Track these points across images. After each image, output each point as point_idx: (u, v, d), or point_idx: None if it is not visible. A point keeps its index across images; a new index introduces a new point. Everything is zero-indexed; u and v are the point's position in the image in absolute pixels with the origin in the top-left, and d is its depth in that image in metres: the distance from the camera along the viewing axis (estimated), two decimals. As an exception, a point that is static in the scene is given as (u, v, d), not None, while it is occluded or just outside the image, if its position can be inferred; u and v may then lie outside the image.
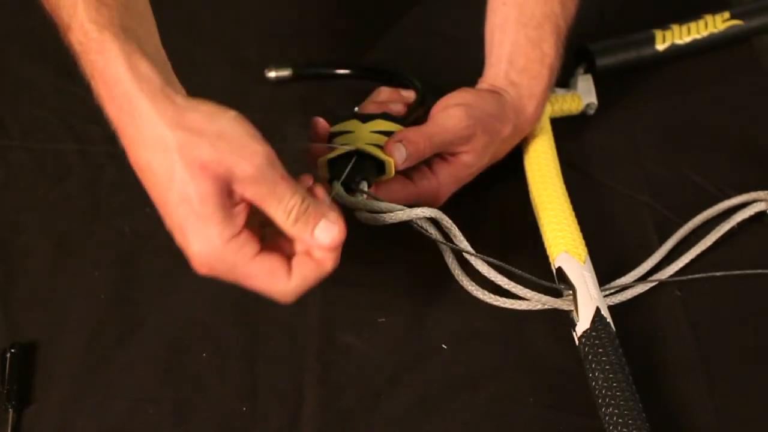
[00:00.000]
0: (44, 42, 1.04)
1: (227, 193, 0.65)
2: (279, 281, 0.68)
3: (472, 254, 0.80)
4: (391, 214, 0.78)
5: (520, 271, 0.80)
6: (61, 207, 0.90)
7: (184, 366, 0.79)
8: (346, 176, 0.78)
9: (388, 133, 0.82)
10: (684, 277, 0.85)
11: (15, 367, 0.78)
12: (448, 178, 0.85)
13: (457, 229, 0.80)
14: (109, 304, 0.83)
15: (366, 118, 0.84)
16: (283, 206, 0.66)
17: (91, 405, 0.77)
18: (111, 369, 0.79)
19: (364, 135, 0.82)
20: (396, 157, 0.79)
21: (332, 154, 0.79)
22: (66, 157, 0.94)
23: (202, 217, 0.65)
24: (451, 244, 0.81)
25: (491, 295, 0.82)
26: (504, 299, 0.82)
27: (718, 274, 0.85)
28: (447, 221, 0.80)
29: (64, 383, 0.78)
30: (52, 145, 0.95)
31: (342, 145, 0.80)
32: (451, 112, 0.83)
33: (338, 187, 0.77)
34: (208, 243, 0.65)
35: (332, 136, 0.82)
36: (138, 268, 0.86)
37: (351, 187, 0.79)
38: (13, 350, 0.78)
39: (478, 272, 0.81)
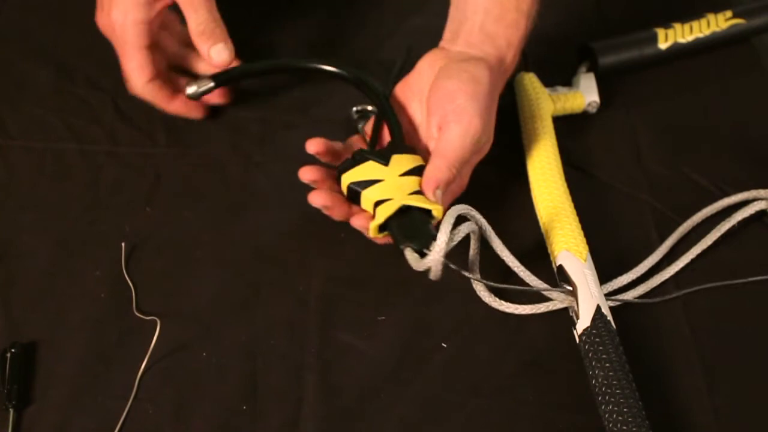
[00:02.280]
0: (44, 42, 1.04)
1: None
2: (140, 76, 0.91)
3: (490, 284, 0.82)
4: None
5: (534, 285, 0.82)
6: (61, 207, 0.90)
7: (184, 366, 0.79)
8: (407, 234, 0.77)
9: (415, 170, 0.81)
10: (687, 290, 0.85)
11: (15, 367, 0.78)
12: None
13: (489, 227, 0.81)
14: (108, 304, 0.83)
15: (380, 156, 0.82)
16: (196, 18, 0.85)
17: (91, 405, 0.77)
18: (111, 369, 0.79)
19: (397, 184, 0.80)
20: (441, 203, 0.80)
21: (380, 218, 0.78)
22: (66, 156, 0.94)
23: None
24: (477, 279, 0.81)
25: (502, 302, 0.83)
26: (513, 305, 0.83)
27: (719, 284, 0.85)
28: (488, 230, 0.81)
29: (65, 383, 0.78)
30: (53, 144, 0.95)
31: (384, 201, 0.79)
32: (459, 124, 0.81)
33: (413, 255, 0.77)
34: (121, 12, 0.89)
35: (355, 187, 0.81)
36: (138, 267, 0.85)
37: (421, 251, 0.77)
38: (13, 350, 0.79)
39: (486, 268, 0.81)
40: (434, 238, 0.75)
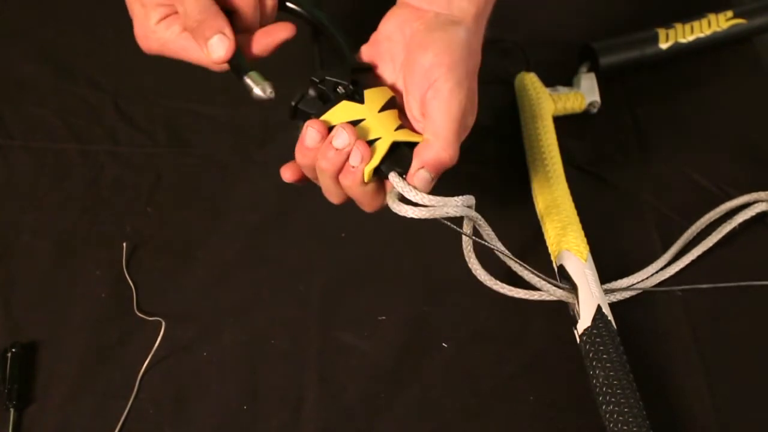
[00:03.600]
0: (44, 42, 1.04)
1: None
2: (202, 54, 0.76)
3: (501, 252, 0.79)
4: (430, 209, 0.72)
5: (538, 273, 0.80)
6: (61, 207, 0.90)
7: (184, 365, 0.80)
8: (395, 163, 0.72)
9: (390, 103, 0.75)
10: (687, 286, 0.85)
11: (16, 367, 0.78)
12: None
13: (487, 225, 0.77)
14: (109, 304, 0.83)
15: (351, 94, 0.75)
16: (188, 9, 0.74)
17: (91, 405, 0.77)
18: (111, 369, 0.79)
19: (380, 120, 0.74)
20: (424, 186, 0.73)
21: (376, 161, 0.72)
22: (67, 156, 0.94)
23: (138, 2, 0.77)
24: (478, 239, 0.77)
25: (498, 283, 0.81)
26: (515, 289, 0.82)
27: (718, 285, 0.84)
28: (479, 219, 0.77)
29: (65, 383, 0.79)
30: (53, 144, 0.95)
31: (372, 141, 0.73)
32: (444, 98, 0.74)
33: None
34: (142, 25, 0.78)
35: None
36: (138, 268, 0.85)
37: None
38: (13, 350, 0.79)
39: (486, 257, 0.80)
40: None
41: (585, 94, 0.99)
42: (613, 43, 1.03)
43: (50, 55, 1.03)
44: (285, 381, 0.79)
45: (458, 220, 0.74)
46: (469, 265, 0.80)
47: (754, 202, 0.89)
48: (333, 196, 0.75)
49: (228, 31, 0.74)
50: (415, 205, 0.71)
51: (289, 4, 0.80)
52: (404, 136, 0.73)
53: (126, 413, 0.76)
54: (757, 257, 0.87)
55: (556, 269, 0.83)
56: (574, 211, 0.87)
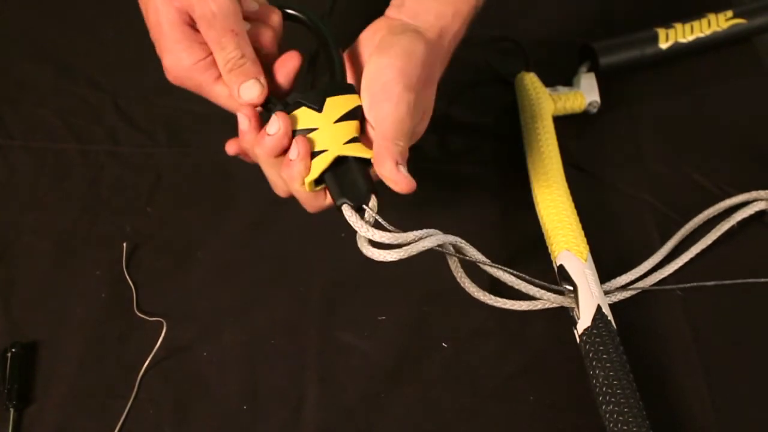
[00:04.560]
0: (44, 42, 1.05)
1: (190, 25, 0.75)
2: (235, 104, 0.77)
3: (487, 264, 0.79)
4: (405, 249, 0.72)
5: (534, 280, 0.80)
6: (61, 207, 0.90)
7: (184, 366, 0.80)
8: (344, 189, 0.73)
9: (352, 113, 0.75)
10: (686, 285, 0.85)
11: (16, 367, 0.78)
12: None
13: (468, 245, 0.78)
14: (109, 304, 0.83)
15: (313, 99, 0.75)
16: (224, 55, 0.75)
17: (91, 405, 0.77)
18: (111, 369, 0.79)
19: (332, 132, 0.74)
20: (410, 179, 0.73)
21: (315, 173, 0.73)
22: (67, 156, 0.94)
23: (171, 38, 0.75)
24: (461, 256, 0.78)
25: (493, 297, 0.82)
26: (505, 300, 0.82)
27: (721, 282, 0.84)
28: (459, 241, 0.77)
29: (65, 383, 0.79)
30: (53, 144, 0.95)
31: (319, 152, 0.74)
32: (393, 100, 0.75)
33: (350, 211, 0.73)
34: (176, 61, 0.76)
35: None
36: (138, 268, 0.85)
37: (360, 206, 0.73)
38: (13, 350, 0.79)
39: (479, 272, 0.81)
40: (372, 192, 0.73)
41: (585, 94, 0.99)
42: (613, 43, 1.03)
43: (50, 55, 1.03)
44: (285, 381, 0.79)
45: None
46: (465, 288, 0.81)
47: (754, 200, 0.89)
48: (277, 188, 0.79)
49: (263, 78, 0.76)
50: (389, 246, 0.72)
51: (289, 11, 0.80)
52: (354, 150, 0.74)
53: (126, 413, 0.76)
54: (756, 256, 0.87)
55: (556, 269, 0.83)
56: (574, 211, 0.87)
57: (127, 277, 0.85)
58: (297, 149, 0.73)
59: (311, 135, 0.73)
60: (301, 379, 0.79)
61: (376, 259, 0.72)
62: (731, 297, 0.84)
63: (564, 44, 1.05)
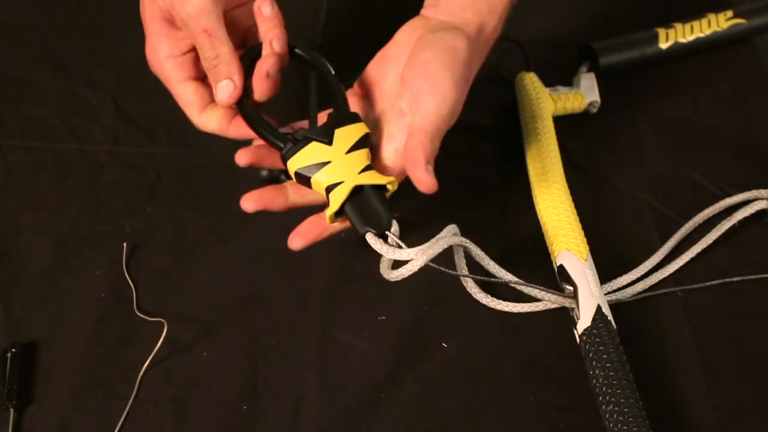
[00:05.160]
0: (44, 42, 1.05)
1: (170, 23, 0.78)
2: (191, 110, 0.81)
3: (496, 280, 0.80)
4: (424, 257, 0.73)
5: (537, 287, 0.80)
6: (61, 207, 0.90)
7: (184, 365, 0.80)
8: (366, 218, 0.74)
9: (361, 142, 0.76)
10: (688, 287, 0.85)
11: (16, 367, 0.78)
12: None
13: (476, 246, 0.79)
14: (109, 304, 0.83)
15: (322, 133, 0.76)
16: (202, 54, 0.77)
17: (91, 405, 0.77)
18: (111, 369, 0.79)
19: (346, 163, 0.75)
20: (435, 180, 0.74)
21: (335, 206, 0.74)
22: (67, 156, 0.94)
23: (151, 31, 0.79)
24: (467, 275, 0.80)
25: (494, 299, 0.82)
26: (507, 302, 0.82)
27: (719, 281, 0.84)
28: (473, 247, 0.79)
29: (65, 383, 0.79)
30: (53, 144, 0.95)
31: (335, 185, 0.75)
32: (435, 95, 0.76)
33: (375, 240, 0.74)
34: (153, 52, 0.80)
35: (303, 173, 0.76)
36: (138, 267, 0.85)
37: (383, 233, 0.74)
38: (13, 350, 0.79)
39: (478, 270, 0.81)
40: (392, 217, 0.74)
41: (585, 94, 0.99)
42: (613, 43, 1.03)
43: (50, 55, 1.03)
44: (285, 381, 0.79)
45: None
46: (468, 290, 0.82)
47: (754, 199, 0.89)
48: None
49: (238, 78, 0.77)
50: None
51: (297, 51, 0.82)
52: (370, 178, 0.75)
53: (126, 413, 0.76)
54: (757, 255, 0.87)
55: (556, 269, 0.83)
56: (574, 211, 0.86)
57: (127, 277, 0.85)
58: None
59: (325, 169, 0.75)
60: (301, 379, 0.79)
61: (400, 278, 0.73)
62: (731, 297, 0.84)
63: (564, 44, 1.05)
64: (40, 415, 0.77)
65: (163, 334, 0.79)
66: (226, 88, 0.77)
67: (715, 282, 0.85)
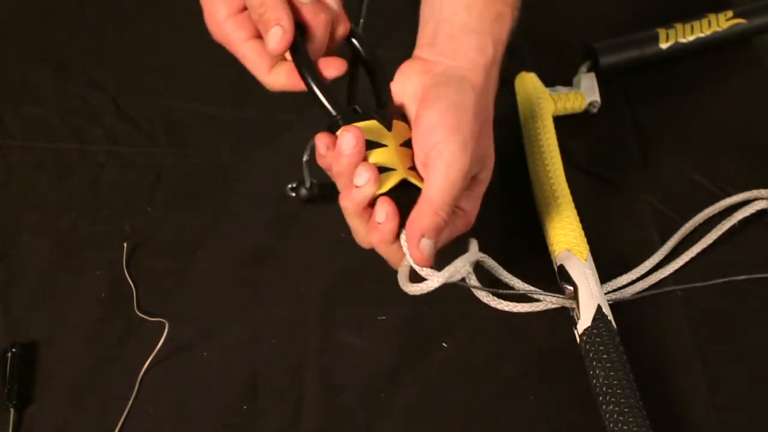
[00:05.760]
0: (44, 42, 1.05)
1: None
2: (259, 70, 0.76)
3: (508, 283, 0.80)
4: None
5: (542, 292, 0.81)
6: (61, 207, 0.90)
7: (185, 365, 0.80)
8: (402, 216, 0.71)
9: (409, 143, 0.74)
10: (689, 285, 0.85)
11: (16, 367, 0.78)
12: (473, 201, 0.78)
13: (491, 260, 0.79)
14: (109, 304, 0.83)
15: (382, 116, 0.73)
16: (249, 4, 0.73)
17: (91, 405, 0.77)
18: (111, 369, 0.79)
19: (399, 153, 0.73)
20: (427, 256, 0.71)
21: (385, 188, 0.71)
22: (67, 156, 0.94)
23: None
24: (481, 287, 0.78)
25: (495, 299, 0.82)
26: (507, 302, 0.82)
27: (722, 280, 0.84)
28: (489, 260, 0.78)
29: (65, 383, 0.79)
30: (53, 144, 0.95)
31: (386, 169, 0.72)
32: (445, 161, 0.72)
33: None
34: (211, 14, 0.75)
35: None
36: (138, 268, 0.85)
37: None
38: (14, 350, 0.79)
39: (477, 270, 0.80)
40: None
41: (585, 94, 0.99)
42: (613, 43, 1.03)
43: (50, 55, 1.03)
44: (285, 381, 0.79)
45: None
46: (477, 295, 0.81)
47: (754, 199, 0.89)
48: (361, 240, 0.76)
49: (286, 22, 0.72)
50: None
51: (353, 40, 0.78)
52: (414, 178, 0.73)
53: (126, 413, 0.76)
54: (757, 255, 0.87)
55: (556, 269, 0.83)
56: (574, 211, 0.86)
57: (128, 277, 0.85)
58: (384, 211, 0.70)
59: (382, 149, 0.72)
60: (301, 379, 0.79)
61: (417, 293, 0.73)
62: (731, 297, 0.84)
63: (564, 44, 1.05)
64: (40, 415, 0.77)
65: (164, 334, 0.79)
66: (275, 34, 0.72)
67: (717, 281, 0.84)
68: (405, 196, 0.72)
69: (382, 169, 0.71)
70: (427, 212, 0.70)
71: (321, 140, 0.72)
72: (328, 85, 0.74)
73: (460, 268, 0.73)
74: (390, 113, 0.75)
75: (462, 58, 0.76)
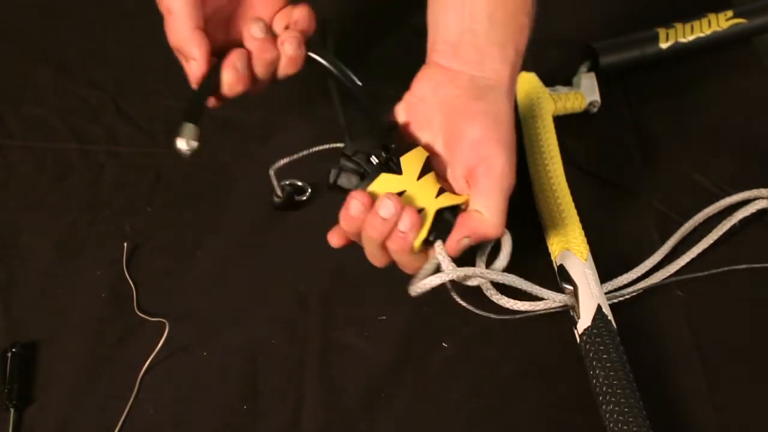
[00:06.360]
0: (44, 42, 1.05)
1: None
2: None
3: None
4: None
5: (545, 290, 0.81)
6: (61, 207, 0.90)
7: (185, 365, 0.80)
8: (436, 233, 0.75)
9: (426, 167, 0.75)
10: (684, 276, 0.85)
11: (16, 367, 0.78)
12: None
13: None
14: (109, 303, 0.83)
15: (386, 162, 0.75)
16: (169, 33, 0.75)
17: (91, 405, 0.77)
18: (111, 369, 0.79)
19: (421, 189, 0.74)
20: (460, 251, 0.75)
21: (423, 235, 0.73)
22: (67, 156, 0.94)
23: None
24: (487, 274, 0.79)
25: (510, 300, 0.82)
26: (507, 299, 0.82)
27: (724, 269, 0.85)
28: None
29: (65, 383, 0.79)
30: (53, 144, 0.95)
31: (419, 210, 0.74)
32: (497, 175, 0.74)
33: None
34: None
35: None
36: (138, 268, 0.85)
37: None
38: (14, 350, 0.79)
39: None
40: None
41: (585, 93, 0.99)
42: (613, 43, 1.03)
43: (50, 55, 1.03)
44: (285, 381, 0.79)
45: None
46: (486, 293, 0.82)
47: (754, 199, 0.89)
48: (376, 260, 0.77)
49: (198, 53, 0.75)
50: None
51: (311, 54, 0.78)
52: (446, 200, 0.75)
53: (126, 413, 0.76)
54: (757, 254, 0.87)
55: (556, 269, 0.83)
56: (574, 211, 0.87)
57: (127, 277, 0.85)
58: (409, 221, 0.72)
59: (402, 198, 0.73)
60: (301, 379, 0.79)
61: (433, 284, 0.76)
62: (731, 297, 0.84)
63: (564, 44, 1.05)
64: (40, 415, 0.77)
65: (165, 333, 0.79)
66: (190, 67, 0.76)
67: (717, 270, 0.85)
68: (445, 222, 0.75)
69: None
70: (487, 222, 0.74)
71: (357, 198, 0.72)
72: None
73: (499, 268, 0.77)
74: (389, 145, 0.76)
75: (488, 69, 0.77)
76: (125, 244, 0.86)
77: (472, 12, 0.76)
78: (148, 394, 0.78)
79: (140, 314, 0.82)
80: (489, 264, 0.78)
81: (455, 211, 0.75)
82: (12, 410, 0.76)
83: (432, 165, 0.77)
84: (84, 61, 1.03)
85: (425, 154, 0.76)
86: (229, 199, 0.91)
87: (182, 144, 0.74)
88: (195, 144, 0.75)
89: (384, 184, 0.74)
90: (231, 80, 0.76)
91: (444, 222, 0.75)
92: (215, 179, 0.93)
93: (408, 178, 0.75)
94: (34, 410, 0.77)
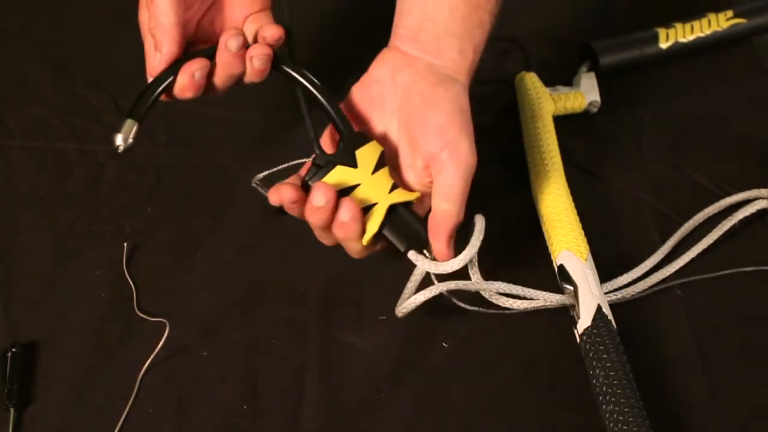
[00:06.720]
0: (44, 42, 1.05)
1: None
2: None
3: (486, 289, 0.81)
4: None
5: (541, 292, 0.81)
6: (61, 207, 0.90)
7: (184, 365, 0.80)
8: (405, 237, 0.76)
9: (381, 161, 0.76)
10: (684, 279, 0.85)
11: (16, 367, 0.78)
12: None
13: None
14: (109, 304, 0.83)
15: (345, 157, 0.76)
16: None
17: (91, 405, 0.77)
18: (111, 369, 0.79)
19: (374, 184, 0.76)
20: (452, 251, 0.77)
21: (374, 228, 0.75)
22: (67, 156, 0.94)
23: None
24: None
25: (494, 297, 0.82)
26: (506, 298, 0.82)
27: (717, 274, 0.85)
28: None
29: (65, 383, 0.78)
30: (53, 144, 0.95)
31: (369, 206, 0.76)
32: (461, 160, 0.75)
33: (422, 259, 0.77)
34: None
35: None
36: (139, 267, 0.85)
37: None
38: (14, 350, 0.79)
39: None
40: (425, 232, 0.76)
41: (585, 93, 0.99)
42: (613, 42, 1.03)
43: (50, 55, 1.03)
44: (285, 381, 0.79)
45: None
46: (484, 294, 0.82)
47: (754, 198, 0.89)
48: (324, 241, 0.79)
49: (166, 47, 0.76)
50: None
51: (283, 67, 0.80)
52: (399, 196, 0.76)
53: (126, 413, 0.76)
54: (757, 254, 0.87)
55: (556, 269, 0.83)
56: (574, 211, 0.86)
57: (127, 277, 0.84)
58: (349, 212, 0.73)
59: (356, 192, 0.75)
60: (301, 379, 0.79)
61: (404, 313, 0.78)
62: (732, 297, 0.84)
63: (564, 44, 1.05)
64: (40, 415, 0.77)
65: (165, 334, 0.79)
66: (155, 57, 0.77)
67: (718, 273, 0.85)
68: (397, 217, 0.76)
69: (366, 209, 0.75)
70: (449, 217, 0.75)
71: (287, 194, 0.75)
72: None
73: (476, 245, 0.77)
74: (348, 146, 0.77)
75: (445, 58, 0.78)
76: (125, 244, 0.86)
77: (435, 2, 0.78)
78: (148, 394, 0.78)
79: (140, 314, 0.82)
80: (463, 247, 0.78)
81: (407, 206, 0.77)
82: (12, 410, 0.76)
83: (385, 160, 0.77)
84: (84, 61, 1.03)
85: (380, 148, 0.77)
86: (229, 199, 0.91)
87: (119, 140, 0.75)
88: (131, 142, 0.75)
89: (339, 176, 0.75)
90: (184, 85, 0.77)
91: (397, 217, 0.76)
92: (215, 179, 0.93)
93: (363, 172, 0.76)
94: (34, 410, 0.77)
